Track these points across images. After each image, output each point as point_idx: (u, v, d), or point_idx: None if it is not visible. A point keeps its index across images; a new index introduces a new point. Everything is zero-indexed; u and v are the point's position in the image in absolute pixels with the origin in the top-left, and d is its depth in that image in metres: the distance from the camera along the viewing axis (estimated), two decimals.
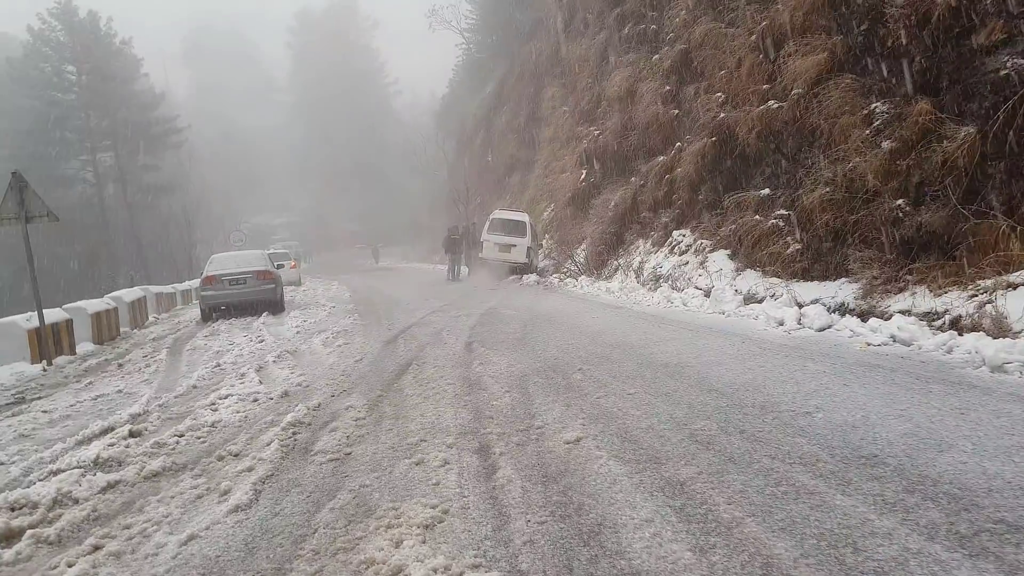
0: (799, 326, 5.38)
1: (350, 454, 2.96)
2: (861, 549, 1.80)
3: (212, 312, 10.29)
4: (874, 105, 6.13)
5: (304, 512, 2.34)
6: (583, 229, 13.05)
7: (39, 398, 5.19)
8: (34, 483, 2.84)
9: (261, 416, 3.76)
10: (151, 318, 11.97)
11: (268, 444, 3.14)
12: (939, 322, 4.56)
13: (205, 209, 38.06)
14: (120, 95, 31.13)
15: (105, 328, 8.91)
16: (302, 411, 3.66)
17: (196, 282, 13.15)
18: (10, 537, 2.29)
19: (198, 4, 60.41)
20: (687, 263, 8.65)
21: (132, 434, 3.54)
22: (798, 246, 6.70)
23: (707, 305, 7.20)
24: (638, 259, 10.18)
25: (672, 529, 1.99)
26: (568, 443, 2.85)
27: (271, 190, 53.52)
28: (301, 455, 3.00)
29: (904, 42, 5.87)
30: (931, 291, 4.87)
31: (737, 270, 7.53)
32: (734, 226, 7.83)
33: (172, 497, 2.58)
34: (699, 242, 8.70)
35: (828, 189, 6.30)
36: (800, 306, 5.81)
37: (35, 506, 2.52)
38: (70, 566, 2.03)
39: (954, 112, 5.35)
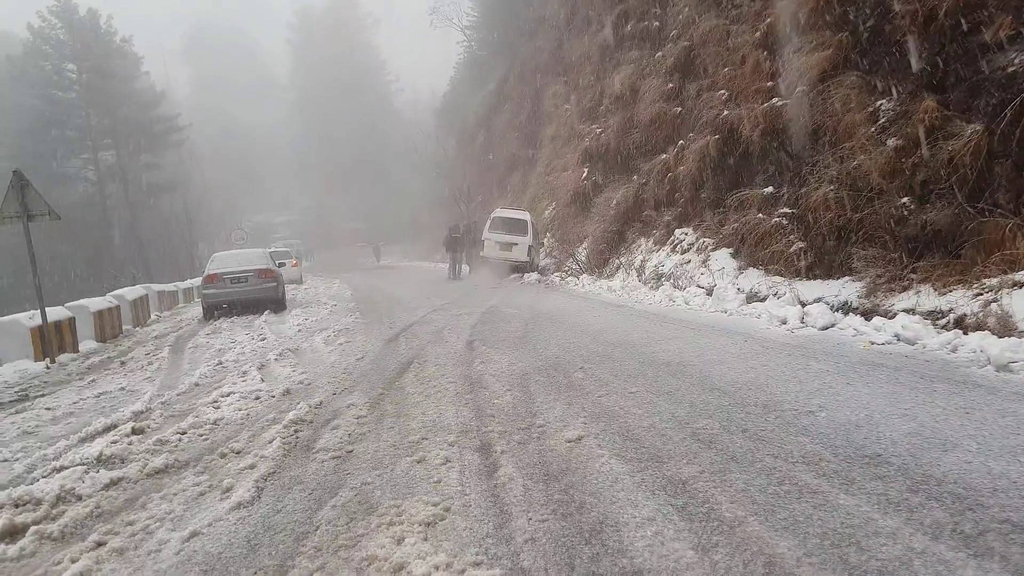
0: (802, 325, 5.36)
1: (352, 452, 2.96)
2: (865, 549, 1.79)
3: (214, 310, 10.31)
4: (879, 102, 6.10)
5: (306, 509, 2.34)
6: (585, 227, 13.03)
7: (42, 395, 5.20)
8: (38, 480, 2.85)
9: (263, 414, 3.76)
10: (153, 316, 12.00)
11: (270, 442, 3.14)
12: (944, 321, 4.54)
13: (206, 207, 38.14)
14: (121, 93, 31.17)
15: (108, 326, 8.93)
16: (304, 409, 3.66)
17: (198, 280, 13.17)
18: (14, 533, 2.29)
19: (198, 0, 60.43)
20: (689, 262, 8.63)
21: (135, 431, 3.55)
22: (801, 244, 6.68)
23: (709, 304, 7.18)
24: (640, 257, 10.16)
25: (674, 528, 1.98)
26: (570, 441, 2.85)
27: (272, 188, 53.57)
28: (303, 452, 3.00)
29: (910, 38, 5.83)
30: (935, 290, 4.84)
31: (739, 268, 7.51)
32: (737, 224, 7.81)
33: (175, 494, 2.59)
34: (701, 240, 8.68)
35: (832, 187, 6.27)
36: (803, 305, 5.79)
37: (39, 503, 2.52)
38: (73, 562, 2.04)
39: (961, 109, 5.31)
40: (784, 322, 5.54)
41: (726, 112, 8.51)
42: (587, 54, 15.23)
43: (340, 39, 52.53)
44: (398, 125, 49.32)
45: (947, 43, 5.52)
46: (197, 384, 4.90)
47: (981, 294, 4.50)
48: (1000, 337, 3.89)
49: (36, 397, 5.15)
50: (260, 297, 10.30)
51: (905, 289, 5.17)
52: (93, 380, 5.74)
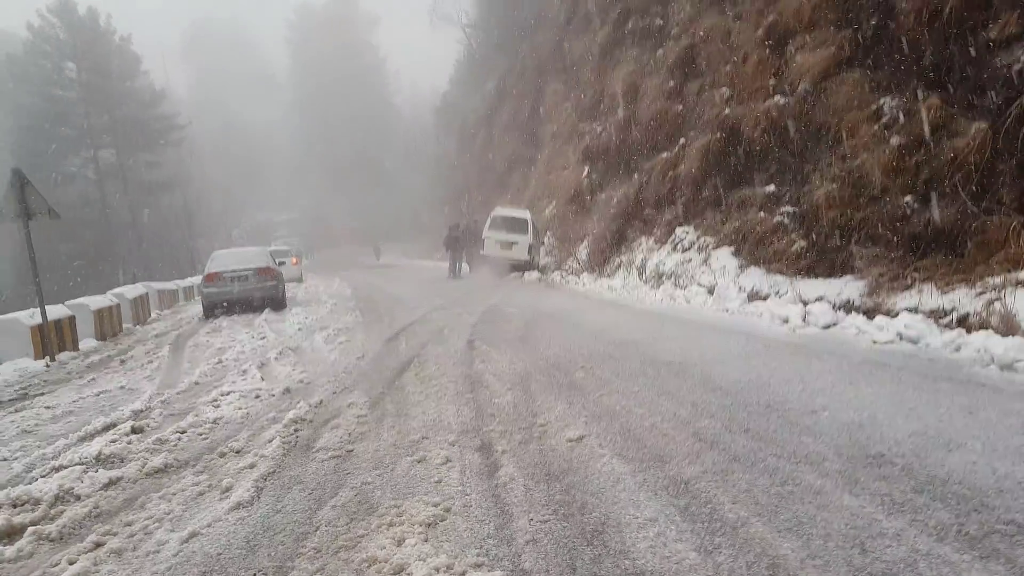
0: (804, 324, 5.34)
1: (352, 451, 2.94)
2: (869, 550, 1.78)
3: (214, 309, 10.30)
4: (883, 100, 6.07)
5: (306, 510, 2.32)
6: (585, 226, 13.00)
7: (42, 394, 5.19)
8: (36, 479, 2.83)
9: (263, 413, 3.74)
10: (153, 314, 11.99)
11: (270, 441, 3.13)
12: (946, 320, 4.52)
13: (206, 205, 38.13)
14: (120, 92, 31.13)
15: (108, 324, 8.92)
16: (304, 408, 3.64)
17: (198, 279, 13.15)
18: (12, 534, 2.28)
19: None
20: (690, 260, 8.61)
21: (134, 430, 3.54)
22: (803, 243, 6.65)
23: (711, 303, 7.16)
24: (640, 256, 10.14)
25: (677, 529, 1.96)
26: (571, 441, 2.83)
27: (273, 187, 53.49)
28: (303, 452, 2.99)
29: (915, 36, 5.79)
30: (938, 288, 4.82)
31: (741, 267, 7.48)
32: (738, 223, 7.78)
33: (174, 494, 2.57)
34: (703, 239, 8.65)
35: (835, 186, 6.25)
36: (805, 303, 5.77)
37: (37, 503, 2.51)
38: (71, 563, 2.02)
39: (965, 107, 5.28)
40: (786, 321, 5.52)
41: (727, 110, 8.48)
42: (587, 52, 15.18)
43: (339, 37, 52.38)
44: (398, 124, 49.28)
45: (952, 40, 5.49)
46: (197, 383, 4.89)
47: (984, 293, 4.48)
48: (1004, 336, 3.87)
49: (36, 396, 5.14)
50: (260, 296, 10.29)
51: (907, 288, 5.15)
52: (93, 379, 5.73)
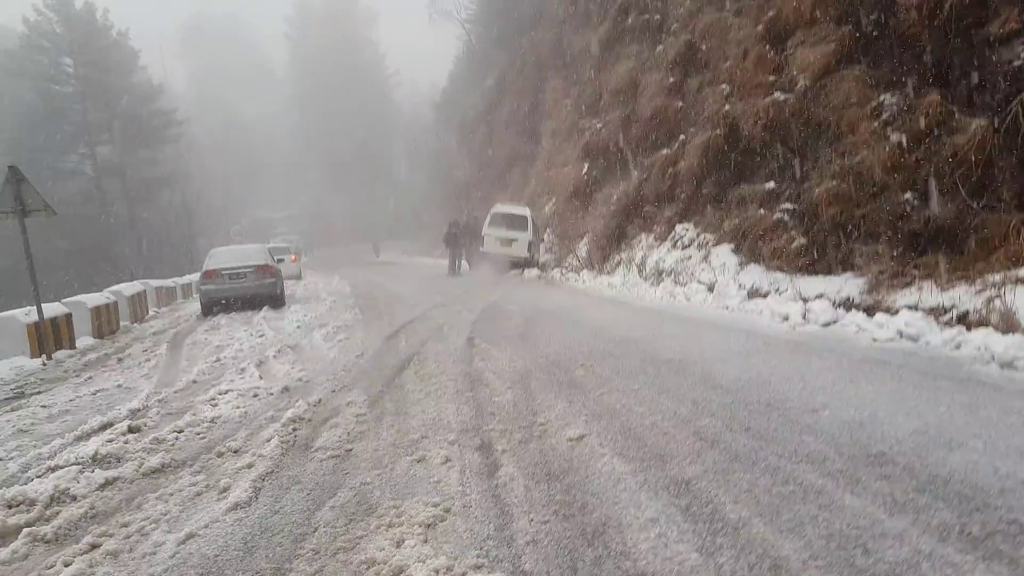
0: (804, 321, 5.33)
1: (351, 451, 2.93)
2: (872, 551, 1.77)
3: (212, 306, 10.26)
4: (883, 97, 6.04)
5: (304, 510, 2.30)
6: (585, 223, 12.97)
7: (38, 393, 5.17)
8: (32, 480, 2.81)
9: (261, 412, 3.72)
10: (151, 312, 11.95)
11: (268, 440, 3.11)
12: (946, 317, 4.51)
13: (205, 201, 37.98)
14: (118, 87, 30.96)
15: (105, 322, 8.88)
16: (302, 407, 3.62)
17: (196, 276, 13.11)
18: (6, 535, 2.26)
19: None
20: (690, 257, 8.59)
21: (131, 430, 3.51)
22: (803, 240, 6.64)
23: (711, 300, 7.14)
24: (640, 254, 10.12)
25: (678, 529, 1.95)
26: (571, 440, 2.82)
27: (272, 184, 53.31)
28: (301, 452, 2.97)
29: (915, 32, 5.76)
30: (938, 286, 4.81)
31: (741, 264, 7.46)
32: (738, 220, 7.76)
33: (171, 494, 2.55)
34: (702, 236, 8.63)
35: (835, 182, 6.23)
36: (805, 301, 5.76)
37: (32, 503, 2.49)
38: (67, 565, 2.00)
39: (965, 104, 5.26)
40: (786, 318, 5.50)
41: (727, 107, 8.44)
42: (587, 48, 15.11)
43: (338, 32, 52.11)
44: (397, 120, 49.09)
45: (952, 37, 5.46)
46: (195, 381, 4.86)
47: (983, 290, 4.47)
48: (1004, 334, 3.86)
49: (32, 394, 5.11)
50: (259, 293, 10.25)
51: (907, 285, 5.14)
52: (90, 377, 5.70)
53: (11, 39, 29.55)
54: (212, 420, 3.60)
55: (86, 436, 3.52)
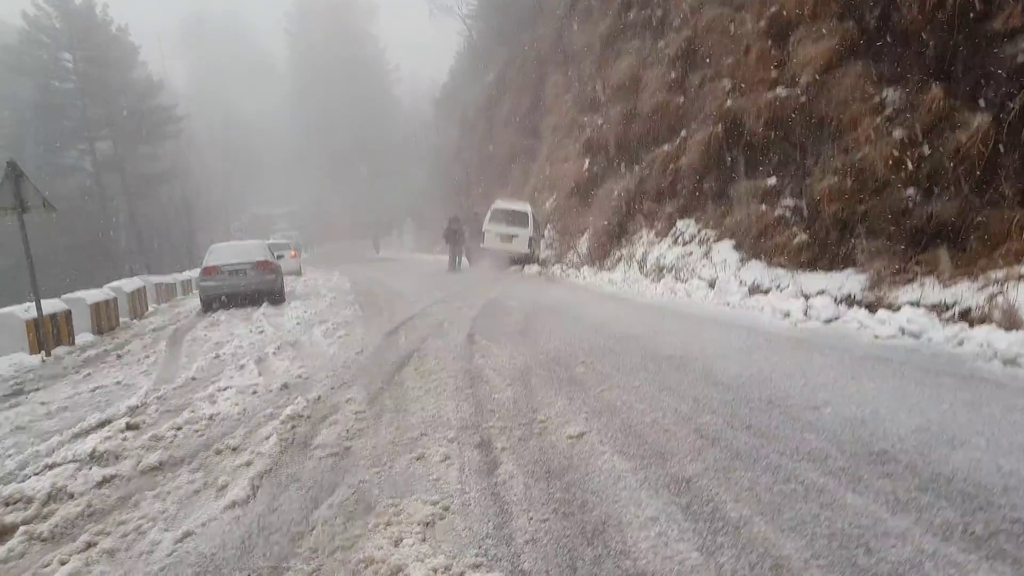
0: (805, 318, 5.31)
1: (350, 448, 2.91)
2: (874, 550, 1.75)
3: (212, 303, 10.25)
4: (885, 93, 5.99)
5: (302, 508, 2.29)
6: (585, 219, 12.93)
7: (37, 389, 5.16)
8: (29, 477, 2.80)
9: (260, 409, 3.71)
10: (151, 308, 11.94)
11: (267, 438, 3.10)
12: (948, 314, 4.48)
13: (205, 197, 37.94)
14: (118, 83, 30.82)
15: (104, 318, 8.87)
16: (301, 404, 3.61)
17: (196, 272, 13.09)
18: (3, 533, 2.25)
19: None
20: (691, 254, 8.56)
21: (129, 427, 3.50)
22: (805, 236, 6.60)
23: (711, 296, 7.12)
24: (641, 250, 10.09)
25: (678, 528, 1.94)
26: (571, 438, 2.80)
27: (272, 180, 53.22)
28: (300, 449, 2.95)
29: (918, 28, 5.71)
30: (940, 282, 4.79)
31: (742, 261, 7.43)
32: (739, 216, 7.72)
33: (168, 492, 2.54)
34: (703, 232, 8.59)
35: (836, 178, 6.19)
36: (806, 297, 5.74)
37: (29, 501, 2.48)
38: (63, 564, 1.99)
39: (968, 100, 5.22)
40: (787, 315, 5.48)
41: (729, 102, 8.39)
42: (588, 44, 15.02)
43: (338, 27, 51.88)
44: (398, 115, 48.94)
45: (955, 32, 5.41)
46: (194, 378, 4.85)
47: (986, 287, 4.44)
48: (1007, 331, 3.84)
49: (31, 391, 5.10)
50: (259, 289, 10.23)
51: (909, 281, 5.11)
52: (89, 374, 5.69)
53: (10, 34, 29.40)
54: (211, 417, 3.59)
55: (84, 433, 3.51)
